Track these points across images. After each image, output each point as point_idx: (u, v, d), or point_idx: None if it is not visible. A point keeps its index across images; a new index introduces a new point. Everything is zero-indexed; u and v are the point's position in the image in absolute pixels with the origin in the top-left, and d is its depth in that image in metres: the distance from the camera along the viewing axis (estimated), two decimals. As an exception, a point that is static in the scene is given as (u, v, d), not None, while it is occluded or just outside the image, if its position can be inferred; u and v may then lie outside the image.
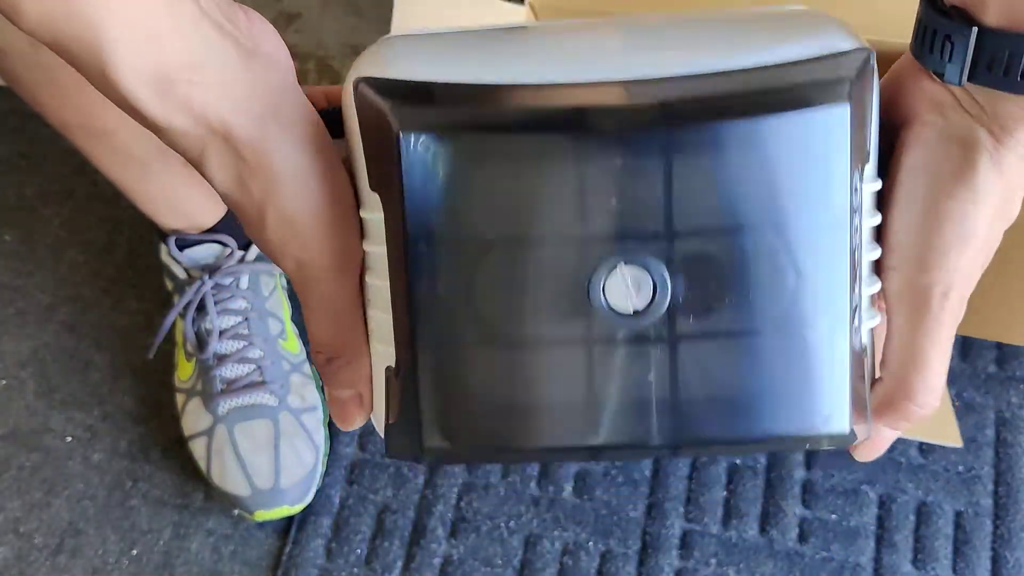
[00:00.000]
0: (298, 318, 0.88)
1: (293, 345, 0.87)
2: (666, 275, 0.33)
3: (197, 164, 0.35)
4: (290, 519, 0.82)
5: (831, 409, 0.34)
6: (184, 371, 0.85)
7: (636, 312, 0.33)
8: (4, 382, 0.89)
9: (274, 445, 0.81)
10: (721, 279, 0.33)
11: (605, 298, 0.33)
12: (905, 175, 0.36)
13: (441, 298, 0.34)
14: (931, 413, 0.37)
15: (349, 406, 0.38)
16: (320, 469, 0.83)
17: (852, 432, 0.34)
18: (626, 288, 0.33)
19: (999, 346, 0.89)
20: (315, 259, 0.35)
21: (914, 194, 0.36)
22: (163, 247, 0.86)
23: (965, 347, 0.89)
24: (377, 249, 0.35)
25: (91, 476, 0.85)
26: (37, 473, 0.85)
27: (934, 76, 0.36)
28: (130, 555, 0.82)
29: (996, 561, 0.81)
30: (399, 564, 0.81)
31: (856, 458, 0.39)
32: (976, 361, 0.89)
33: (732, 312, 0.33)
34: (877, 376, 0.38)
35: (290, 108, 0.35)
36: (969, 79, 0.34)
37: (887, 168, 0.37)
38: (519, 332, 0.34)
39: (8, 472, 0.85)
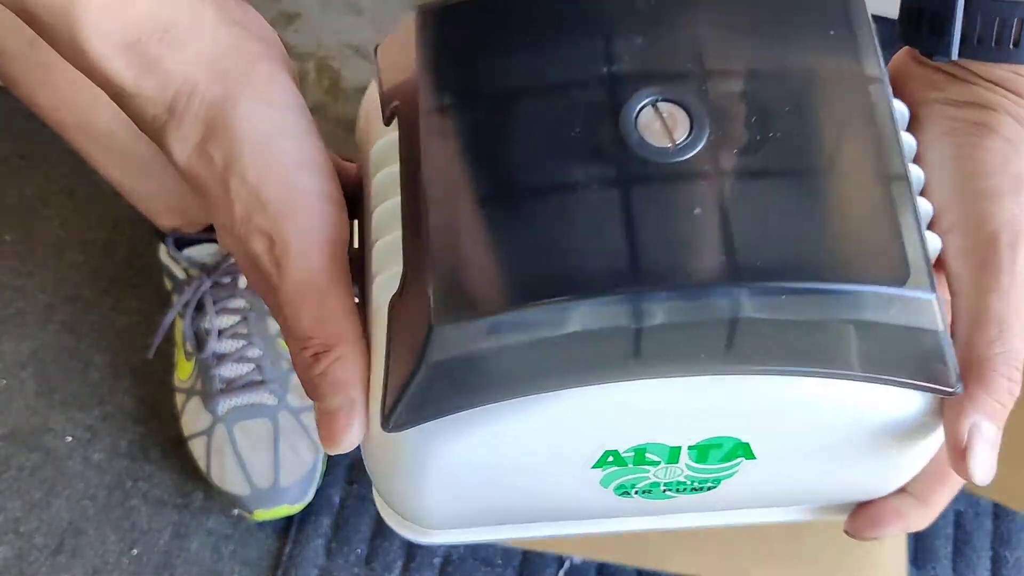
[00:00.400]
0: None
1: None
2: (702, 109, 0.29)
3: (160, 136, 0.33)
4: (290, 519, 0.82)
5: (907, 264, 0.28)
6: (183, 371, 0.85)
7: (674, 147, 0.29)
8: (4, 382, 0.89)
9: (273, 444, 0.81)
10: (760, 117, 0.29)
11: (639, 134, 0.29)
12: (929, 149, 0.34)
13: (459, 166, 0.30)
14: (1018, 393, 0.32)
15: (339, 417, 0.31)
16: (320, 468, 0.83)
17: (939, 307, 0.29)
18: (660, 123, 0.29)
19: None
20: (288, 231, 0.31)
21: (945, 159, 0.34)
22: (162, 247, 0.86)
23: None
24: (390, 170, 0.32)
25: (91, 476, 0.85)
26: (37, 473, 0.85)
27: (925, 59, 0.35)
28: (130, 555, 0.82)
29: (996, 561, 0.81)
30: (399, 564, 0.81)
31: (972, 474, 0.32)
32: (976, 360, 0.89)
33: (776, 151, 0.29)
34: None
35: (265, 73, 0.32)
36: (961, 55, 0.34)
37: None
38: (546, 181, 0.29)
39: (8, 472, 0.85)
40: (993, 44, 0.33)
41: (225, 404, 0.82)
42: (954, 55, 0.34)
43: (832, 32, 0.31)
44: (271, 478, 0.80)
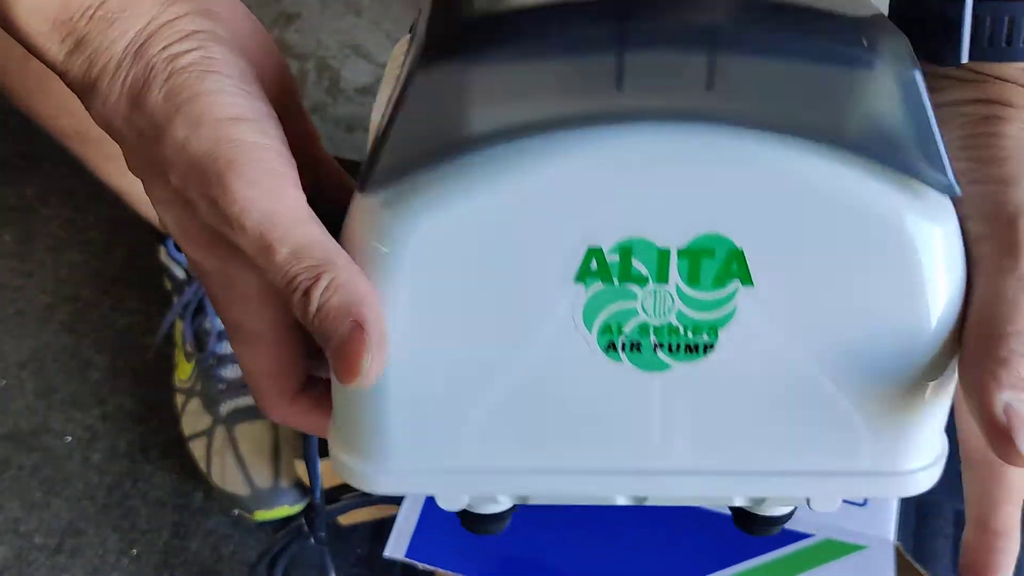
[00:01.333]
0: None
1: None
2: None
3: (90, 110, 0.31)
4: (290, 519, 0.82)
5: (876, 14, 0.30)
6: (183, 371, 0.85)
7: None
8: (4, 382, 0.89)
9: (274, 445, 0.81)
10: None
11: None
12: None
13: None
14: None
15: (352, 343, 0.28)
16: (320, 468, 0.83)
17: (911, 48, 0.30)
18: None
19: (999, 346, 0.89)
20: (232, 178, 0.29)
21: (959, 151, 0.33)
22: (162, 248, 0.86)
23: (965, 347, 0.89)
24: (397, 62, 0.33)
25: (91, 476, 0.85)
26: (37, 473, 0.85)
27: (927, 66, 0.34)
28: (130, 555, 0.82)
29: (996, 561, 0.81)
30: (399, 564, 0.81)
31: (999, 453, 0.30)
32: (976, 361, 0.89)
33: None
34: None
35: (197, 47, 0.31)
36: (971, 57, 0.33)
37: None
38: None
39: (8, 472, 0.85)
40: (1004, 44, 0.33)
41: (226, 405, 0.82)
42: (964, 59, 0.33)
43: None
44: (271, 479, 0.80)
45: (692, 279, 0.31)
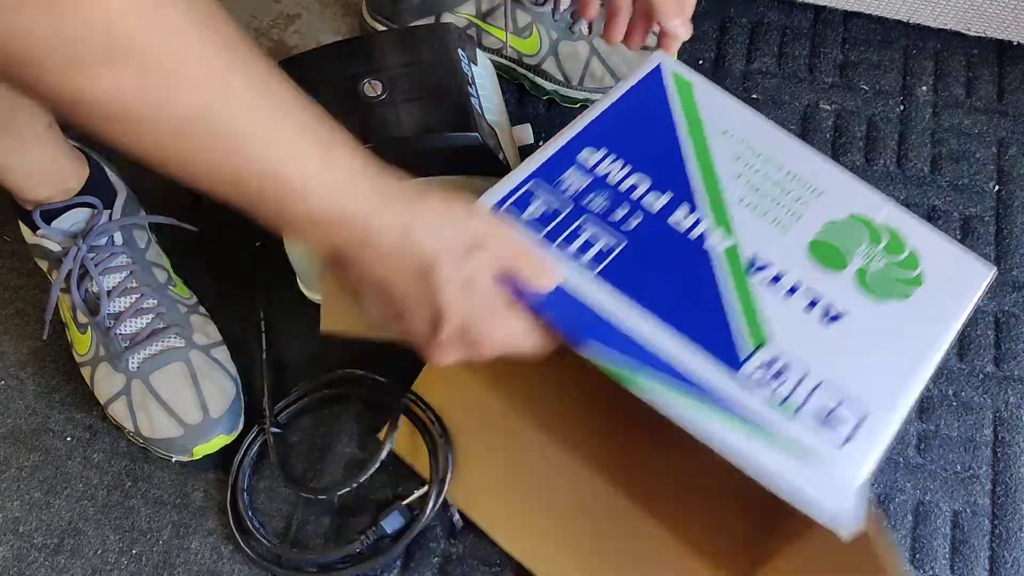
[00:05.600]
0: (180, 266, 0.90)
1: (183, 290, 0.88)
2: None
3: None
4: (290, 520, 0.83)
5: None
6: (82, 345, 0.84)
7: None
8: (4, 382, 0.89)
9: (193, 382, 0.81)
10: None
11: None
12: None
13: None
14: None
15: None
16: (242, 397, 0.84)
17: None
18: None
19: (997, 345, 0.90)
20: None
21: None
22: (26, 229, 0.84)
23: (963, 347, 0.90)
24: None
25: (91, 476, 0.85)
26: (37, 473, 0.85)
27: None
28: (130, 555, 0.82)
29: (994, 561, 0.81)
30: (398, 563, 0.81)
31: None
32: (974, 361, 0.89)
33: None
34: None
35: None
36: None
37: None
38: None
39: (8, 472, 0.85)
40: None
41: (135, 359, 0.81)
42: None
43: None
44: (200, 413, 0.80)
45: None
